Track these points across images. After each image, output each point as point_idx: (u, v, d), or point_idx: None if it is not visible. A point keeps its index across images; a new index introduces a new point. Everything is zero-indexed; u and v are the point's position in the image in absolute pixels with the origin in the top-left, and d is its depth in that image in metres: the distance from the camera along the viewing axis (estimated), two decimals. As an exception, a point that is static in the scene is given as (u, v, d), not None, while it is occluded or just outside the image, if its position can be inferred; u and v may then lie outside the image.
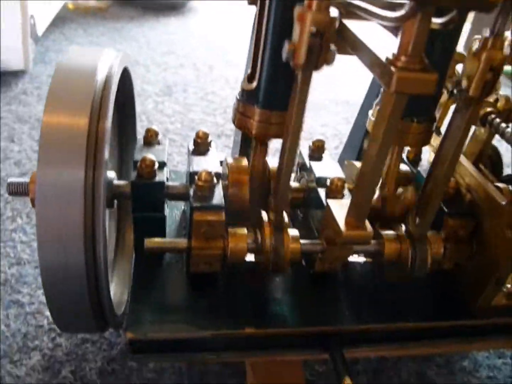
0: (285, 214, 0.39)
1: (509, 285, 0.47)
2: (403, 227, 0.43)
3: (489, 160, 0.49)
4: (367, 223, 0.38)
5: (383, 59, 0.30)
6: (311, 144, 0.48)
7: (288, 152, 0.34)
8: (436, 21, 0.31)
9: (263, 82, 0.37)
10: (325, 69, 0.31)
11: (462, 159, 0.48)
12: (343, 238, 0.37)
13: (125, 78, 0.46)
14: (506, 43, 0.32)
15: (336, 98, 1.16)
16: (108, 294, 0.37)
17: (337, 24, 0.29)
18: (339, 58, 0.31)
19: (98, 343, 0.51)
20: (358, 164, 0.49)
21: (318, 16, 0.28)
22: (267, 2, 0.35)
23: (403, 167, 0.50)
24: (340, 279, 0.46)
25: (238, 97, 0.40)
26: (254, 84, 0.38)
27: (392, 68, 0.29)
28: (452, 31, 0.37)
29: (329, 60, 0.30)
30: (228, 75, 1.21)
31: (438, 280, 0.47)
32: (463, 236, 0.44)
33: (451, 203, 0.45)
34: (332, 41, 0.31)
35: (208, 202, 0.39)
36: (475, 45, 0.33)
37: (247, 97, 0.39)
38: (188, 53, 1.29)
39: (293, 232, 0.40)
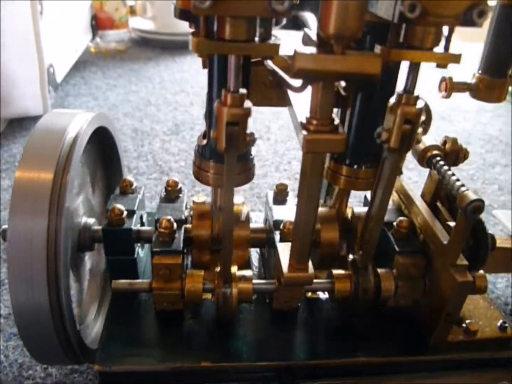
0: (233, 268, 0.43)
1: (468, 321, 0.49)
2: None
3: (446, 198, 0.51)
4: (310, 265, 0.41)
5: (299, 122, 0.33)
6: (275, 188, 0.52)
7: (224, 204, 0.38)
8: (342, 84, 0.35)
9: (212, 140, 0.41)
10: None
11: (416, 198, 0.50)
12: (285, 279, 0.40)
13: (106, 135, 0.52)
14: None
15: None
16: (75, 332, 0.41)
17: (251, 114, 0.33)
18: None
19: (85, 373, 0.56)
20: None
21: (232, 110, 0.32)
22: (209, 71, 0.39)
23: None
24: (301, 315, 0.49)
25: (195, 152, 0.44)
26: (205, 141, 0.42)
27: (304, 131, 0.32)
28: (390, 73, 0.40)
29: (250, 144, 0.34)
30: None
31: (399, 316, 0.49)
32: (414, 274, 0.46)
33: (403, 242, 0.47)
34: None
35: (167, 247, 0.43)
36: (392, 101, 0.36)
37: (202, 152, 0.43)
38: (198, 91, 1.36)
39: (246, 273, 0.44)
